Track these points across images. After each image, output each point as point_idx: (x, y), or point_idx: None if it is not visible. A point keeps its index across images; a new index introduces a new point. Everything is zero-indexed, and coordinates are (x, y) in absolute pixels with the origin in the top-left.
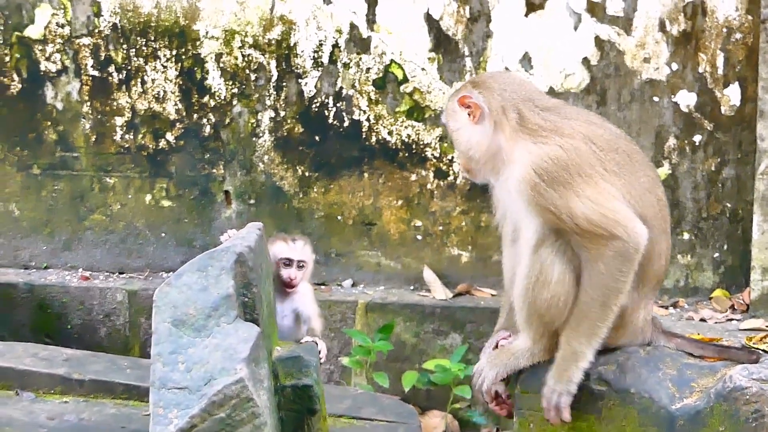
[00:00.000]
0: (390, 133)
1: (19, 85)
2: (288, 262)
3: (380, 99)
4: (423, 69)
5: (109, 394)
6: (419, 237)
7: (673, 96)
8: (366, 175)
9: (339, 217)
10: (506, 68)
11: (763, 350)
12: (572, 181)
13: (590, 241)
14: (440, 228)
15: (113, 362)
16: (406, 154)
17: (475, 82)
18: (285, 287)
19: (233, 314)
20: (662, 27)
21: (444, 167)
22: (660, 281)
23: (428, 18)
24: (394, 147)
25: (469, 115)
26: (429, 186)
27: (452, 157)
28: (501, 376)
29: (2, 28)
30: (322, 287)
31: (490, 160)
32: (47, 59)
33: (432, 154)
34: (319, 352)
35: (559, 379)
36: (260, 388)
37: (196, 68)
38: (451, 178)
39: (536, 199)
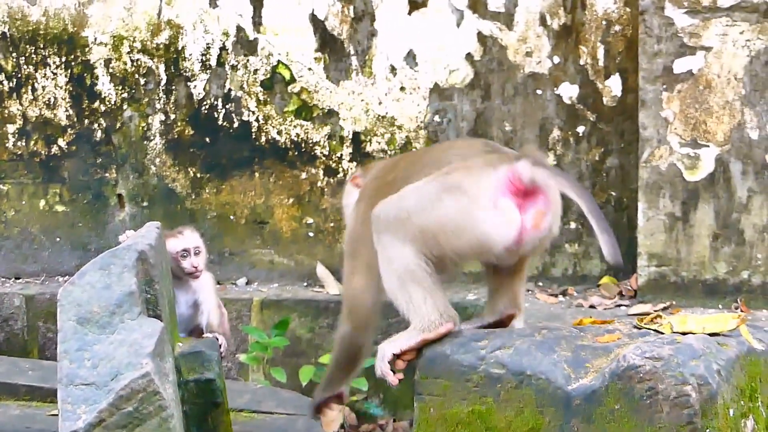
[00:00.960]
0: (279, 132)
1: None
2: (185, 253)
3: (269, 99)
4: (310, 69)
5: (12, 395)
6: (311, 234)
7: (555, 88)
8: (257, 174)
9: (231, 217)
10: (391, 65)
11: (655, 330)
12: None
13: None
14: (332, 225)
15: (14, 364)
16: (296, 153)
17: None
18: (189, 276)
19: (137, 310)
20: (543, 21)
21: (333, 165)
22: None
23: (313, 18)
24: (283, 146)
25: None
26: (319, 184)
27: (341, 155)
28: (393, 351)
29: None
30: (218, 286)
31: None
32: None
33: (321, 153)
34: (220, 347)
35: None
36: (166, 381)
37: (86, 74)
38: (340, 175)
39: None
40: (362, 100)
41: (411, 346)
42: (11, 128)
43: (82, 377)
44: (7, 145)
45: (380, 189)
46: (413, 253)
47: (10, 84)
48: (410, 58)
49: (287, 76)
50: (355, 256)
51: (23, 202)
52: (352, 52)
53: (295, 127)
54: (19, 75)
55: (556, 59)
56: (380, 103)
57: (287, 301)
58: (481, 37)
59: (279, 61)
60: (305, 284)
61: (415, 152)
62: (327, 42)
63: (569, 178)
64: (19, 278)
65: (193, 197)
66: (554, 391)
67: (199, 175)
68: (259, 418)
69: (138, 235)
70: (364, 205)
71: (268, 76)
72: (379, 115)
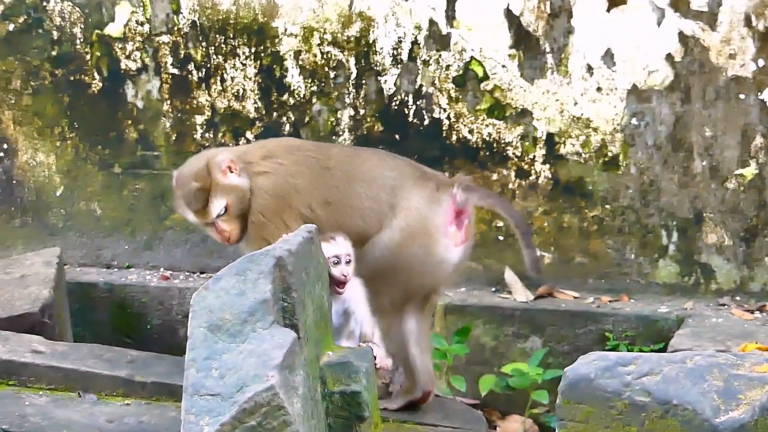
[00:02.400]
0: (471, 131)
1: (100, 84)
2: (336, 260)
3: (460, 97)
4: (503, 66)
5: (171, 396)
6: (501, 238)
7: (759, 93)
8: (447, 174)
9: None
10: (588, 65)
11: None
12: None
13: None
14: None
15: (177, 364)
16: (487, 153)
17: (212, 154)
18: (337, 285)
19: (270, 319)
20: (748, 22)
21: (525, 166)
22: None
23: (508, 14)
24: (474, 146)
25: (232, 172)
26: (510, 185)
27: (533, 157)
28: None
29: (83, 26)
30: None
31: None
32: (127, 57)
33: (513, 153)
34: (374, 357)
35: None
36: (294, 395)
37: (275, 66)
38: (533, 177)
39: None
40: (557, 100)
41: None
42: (199, 119)
43: (208, 387)
44: (195, 136)
45: (320, 173)
46: None
47: (199, 74)
48: (608, 57)
49: (480, 73)
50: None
51: None
52: (548, 49)
53: (487, 126)
54: (209, 65)
55: (761, 62)
56: (576, 103)
57: (472, 307)
58: (683, 37)
59: (472, 57)
60: (493, 290)
61: (340, 148)
62: (522, 38)
63: (496, 196)
64: (203, 273)
65: None
66: (701, 423)
67: None
68: (422, 430)
69: (284, 238)
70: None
71: (461, 72)
72: (574, 116)
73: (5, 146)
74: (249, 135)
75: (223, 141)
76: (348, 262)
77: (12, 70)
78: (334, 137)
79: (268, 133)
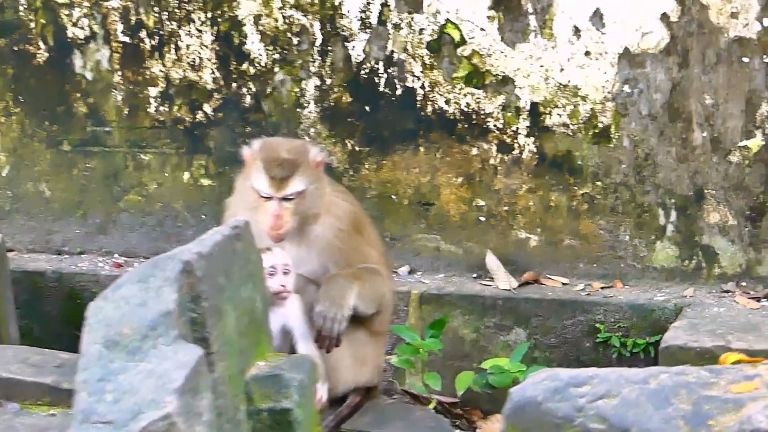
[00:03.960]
0: (447, 101)
1: (46, 54)
2: (273, 271)
3: (435, 64)
4: (482, 29)
5: None
6: (482, 218)
7: (765, 56)
8: (422, 149)
9: (393, 197)
10: (575, 26)
11: None
12: (362, 229)
13: None
14: (505, 208)
15: None
16: (466, 126)
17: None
18: (276, 298)
19: (173, 334)
20: None
21: (508, 140)
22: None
23: None
24: (452, 117)
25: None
26: (492, 161)
27: (516, 129)
28: None
29: None
30: None
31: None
32: (74, 24)
33: (494, 125)
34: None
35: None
36: (197, 423)
37: (233, 32)
38: (516, 152)
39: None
40: (541, 66)
41: None
42: (153, 91)
43: (100, 414)
44: (149, 110)
45: None
46: None
47: (152, 42)
48: (596, 18)
49: (456, 37)
50: None
51: (166, 174)
52: (530, 10)
53: (465, 95)
54: (162, 32)
55: (766, 22)
56: (562, 69)
57: (450, 296)
58: None
59: (447, 20)
60: (474, 276)
61: None
62: None
63: None
64: None
65: (351, 173)
66: None
67: (357, 149)
68: None
69: (199, 239)
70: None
71: (435, 36)
72: (560, 84)
73: None
74: (207, 108)
75: (179, 115)
76: (286, 273)
77: None
78: (298, 109)
79: (227, 106)
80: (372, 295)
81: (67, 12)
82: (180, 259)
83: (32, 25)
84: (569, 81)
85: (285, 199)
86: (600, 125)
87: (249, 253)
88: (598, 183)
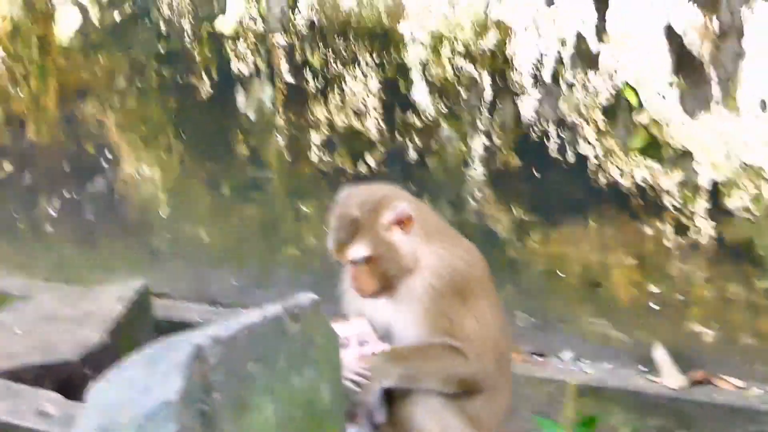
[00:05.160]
0: (622, 173)
1: (210, 90)
2: (344, 342)
3: (610, 130)
4: (661, 95)
5: None
6: (654, 306)
7: None
8: (592, 223)
9: (560, 273)
10: (762, 101)
11: None
12: (468, 297)
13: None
14: (679, 297)
15: None
16: (640, 202)
17: (389, 197)
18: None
19: (171, 428)
20: None
21: (685, 220)
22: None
23: (669, 32)
24: (625, 191)
25: (401, 228)
26: (666, 243)
27: (695, 209)
28: None
29: (192, 19)
30: (539, 358)
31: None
32: (239, 58)
33: (671, 203)
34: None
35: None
36: None
37: (399, 79)
38: (693, 234)
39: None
40: (723, 141)
41: None
42: (315, 137)
43: None
44: (310, 157)
45: None
46: None
47: (317, 83)
48: None
49: (634, 102)
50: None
51: (325, 228)
52: (714, 77)
53: (640, 167)
54: (327, 74)
55: None
56: (746, 146)
57: (610, 390)
58: None
59: (625, 83)
60: (641, 369)
61: None
62: (684, 63)
63: None
64: None
65: (517, 244)
66: None
67: (524, 217)
68: None
69: (233, 319)
70: None
71: (612, 101)
72: (743, 163)
73: (108, 155)
74: (369, 159)
75: (340, 165)
76: (363, 345)
77: (117, 67)
78: (463, 168)
79: (390, 159)
80: (429, 377)
81: (232, 45)
82: (191, 343)
83: (197, 56)
84: (753, 160)
85: (353, 262)
86: None
87: (311, 335)
88: None
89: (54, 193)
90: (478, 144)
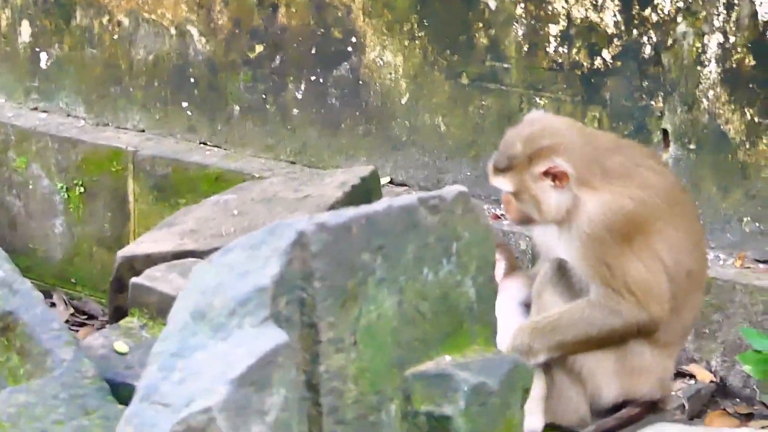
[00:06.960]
0: None
1: None
2: None
3: None
4: None
5: None
6: None
7: None
8: None
9: None
10: None
11: None
12: (635, 238)
13: (620, 298)
14: None
15: None
16: None
17: (551, 148)
18: None
19: (262, 315)
20: None
21: None
22: (686, 334)
23: None
24: None
25: (553, 182)
26: None
27: None
28: None
29: None
30: (761, 265)
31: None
32: None
33: None
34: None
35: None
36: (255, 421)
37: None
38: None
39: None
40: None
41: None
42: (553, 29)
43: (162, 393)
44: (548, 49)
45: None
46: None
47: None
48: None
49: None
50: None
51: None
52: None
53: None
54: None
55: None
56: None
57: None
58: None
59: None
60: None
61: None
62: None
63: None
64: None
65: (748, 147)
66: None
67: (756, 120)
68: None
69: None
70: None
71: None
72: None
73: (353, 40)
74: (606, 54)
75: (577, 59)
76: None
77: None
78: (698, 67)
79: (626, 54)
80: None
81: None
82: (295, 229)
83: None
84: None
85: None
86: None
87: (454, 228)
88: None
89: (301, 77)
90: (713, 42)
